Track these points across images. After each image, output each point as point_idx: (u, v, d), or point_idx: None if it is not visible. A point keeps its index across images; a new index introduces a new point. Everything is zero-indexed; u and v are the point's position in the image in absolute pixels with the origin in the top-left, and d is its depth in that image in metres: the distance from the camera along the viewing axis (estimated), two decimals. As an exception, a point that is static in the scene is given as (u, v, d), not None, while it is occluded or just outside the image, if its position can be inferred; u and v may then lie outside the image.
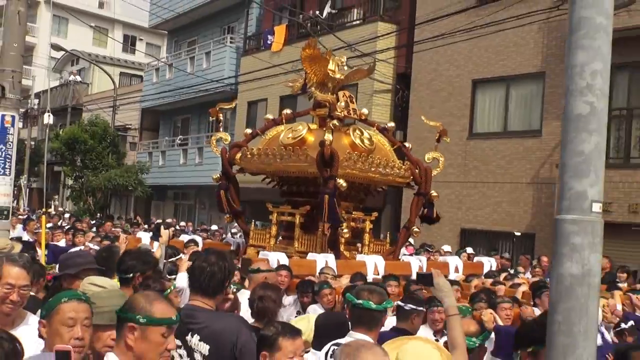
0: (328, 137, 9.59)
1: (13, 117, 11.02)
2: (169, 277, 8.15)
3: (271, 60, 26.85)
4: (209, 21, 36.07)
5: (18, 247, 8.47)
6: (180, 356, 4.27)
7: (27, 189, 44.42)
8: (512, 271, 13.25)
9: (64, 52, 43.60)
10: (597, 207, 3.85)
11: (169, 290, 5.75)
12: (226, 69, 31.70)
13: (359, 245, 11.09)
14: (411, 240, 16.89)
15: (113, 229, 17.89)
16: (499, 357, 7.06)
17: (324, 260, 9.68)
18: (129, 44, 56.41)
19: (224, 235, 18.41)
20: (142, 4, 36.45)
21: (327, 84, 10.92)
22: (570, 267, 3.77)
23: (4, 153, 10.74)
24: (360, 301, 4.77)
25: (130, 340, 3.39)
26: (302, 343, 4.09)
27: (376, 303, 4.74)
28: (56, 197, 43.86)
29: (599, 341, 7.37)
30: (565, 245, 3.82)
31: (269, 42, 28.92)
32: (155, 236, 10.22)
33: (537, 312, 8.01)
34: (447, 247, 17.66)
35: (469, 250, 17.09)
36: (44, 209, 14.17)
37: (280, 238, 11.24)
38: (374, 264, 10.14)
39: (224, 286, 4.56)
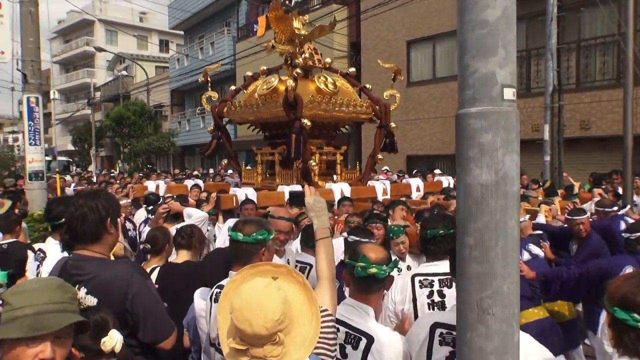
0: (290, 83, 7.60)
1: (37, 97, 9.85)
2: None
3: (258, 42, 24.27)
4: (212, 19, 33.49)
5: (7, 204, 6.28)
6: None
7: (99, 157, 43.16)
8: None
9: (113, 55, 41.92)
10: (509, 94, 1.83)
11: None
12: (226, 52, 29.46)
13: (333, 175, 8.94)
14: (386, 167, 14.99)
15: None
16: None
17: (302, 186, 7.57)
18: (164, 45, 53.60)
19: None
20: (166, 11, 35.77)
21: (294, 40, 8.65)
22: (479, 174, 1.83)
23: (32, 127, 9.72)
24: (230, 233, 2.91)
25: None
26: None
27: (245, 234, 2.83)
28: (119, 161, 41.54)
29: (526, 256, 4.98)
30: (472, 146, 1.85)
31: (255, 29, 26.62)
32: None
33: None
34: (438, 171, 15.15)
35: (437, 172, 14.90)
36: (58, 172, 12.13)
37: (267, 175, 9.19)
38: (340, 190, 8.10)
39: (105, 225, 2.71)
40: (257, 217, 3.11)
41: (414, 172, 14.93)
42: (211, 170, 22.09)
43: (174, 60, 36.77)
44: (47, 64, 56.16)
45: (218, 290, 2.92)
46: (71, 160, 39.86)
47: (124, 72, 41.50)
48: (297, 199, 2.88)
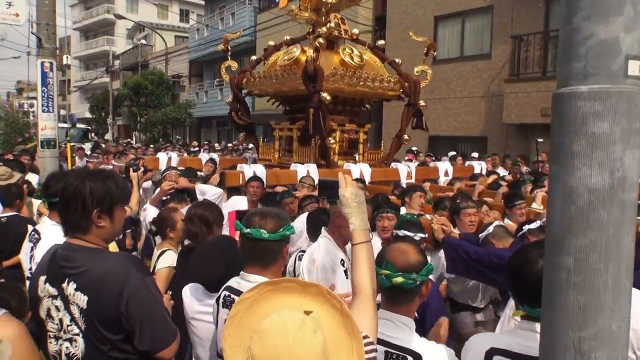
0: (310, 53, 7.07)
1: (51, 63, 9.38)
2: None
3: (280, 14, 23.57)
4: (234, -12, 32.90)
5: (17, 176, 5.88)
6: (57, 308, 2.21)
7: (116, 126, 42.84)
8: (501, 172, 9.66)
9: (133, 23, 41.47)
10: (635, 68, 1.33)
11: None
12: (247, 23, 28.45)
13: (355, 155, 8.39)
14: (415, 148, 14.34)
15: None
16: (454, 274, 4.19)
17: (305, 170, 7.11)
18: (184, 15, 52.09)
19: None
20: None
21: (320, 8, 8.08)
22: (587, 175, 1.31)
23: (46, 94, 9.30)
24: (248, 230, 2.30)
25: None
26: None
27: (270, 231, 2.30)
28: (135, 131, 41.32)
29: None
30: (579, 137, 1.33)
31: (277, 0, 25.69)
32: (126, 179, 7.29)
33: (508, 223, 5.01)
34: (475, 154, 14.18)
35: (474, 155, 13.87)
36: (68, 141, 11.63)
37: (285, 152, 8.68)
38: (359, 171, 7.53)
39: (90, 217, 2.22)
40: (273, 209, 2.58)
41: (449, 154, 14.10)
42: (229, 145, 21.60)
43: (193, 31, 36.05)
44: (67, 30, 56.10)
45: (227, 293, 2.44)
46: (90, 128, 39.73)
47: (143, 41, 40.97)
48: (328, 190, 2.36)
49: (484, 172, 9.03)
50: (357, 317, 1.72)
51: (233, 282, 2.44)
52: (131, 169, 6.07)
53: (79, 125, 33.33)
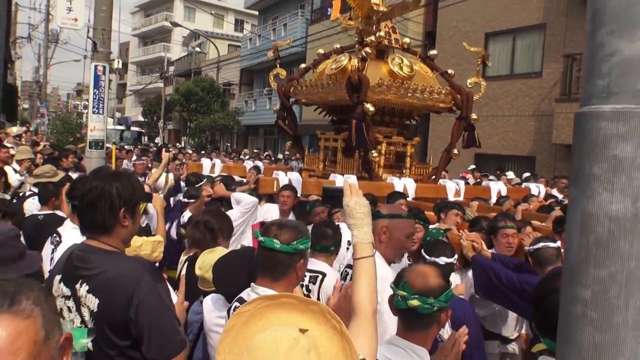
0: (354, 62, 7.00)
1: (104, 67, 9.59)
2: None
3: (331, 25, 23.37)
4: (287, 0, 33.16)
5: (60, 174, 6.01)
6: (69, 309, 2.18)
7: (167, 130, 43.78)
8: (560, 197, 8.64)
9: (189, 31, 42.46)
10: None
11: None
12: (298, 34, 28.65)
13: (403, 169, 8.20)
14: (473, 166, 13.98)
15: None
16: (479, 295, 3.87)
17: (343, 181, 6.83)
18: (239, 24, 53.66)
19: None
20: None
21: (372, 17, 7.96)
22: (608, 201, 1.22)
23: (97, 96, 9.49)
24: (262, 238, 2.25)
25: None
26: None
27: (283, 242, 2.21)
28: (184, 136, 42.14)
29: None
30: (600, 160, 1.24)
31: (328, 13, 25.68)
32: (158, 158, 7.35)
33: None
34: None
35: (510, 175, 13.23)
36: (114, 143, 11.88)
37: (329, 162, 8.58)
38: (403, 186, 7.28)
39: (117, 216, 2.21)
40: (293, 221, 2.54)
41: (505, 174, 13.27)
42: (280, 155, 21.63)
43: (246, 40, 36.58)
44: (127, 36, 57.89)
45: (237, 304, 2.39)
46: (143, 131, 40.70)
47: (198, 49, 41.82)
48: (333, 199, 2.31)
49: (541, 196, 8.45)
50: (356, 338, 1.65)
51: (244, 293, 2.39)
52: (164, 149, 6.19)
53: (133, 128, 34.20)
